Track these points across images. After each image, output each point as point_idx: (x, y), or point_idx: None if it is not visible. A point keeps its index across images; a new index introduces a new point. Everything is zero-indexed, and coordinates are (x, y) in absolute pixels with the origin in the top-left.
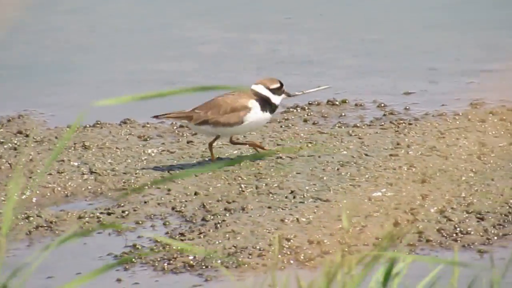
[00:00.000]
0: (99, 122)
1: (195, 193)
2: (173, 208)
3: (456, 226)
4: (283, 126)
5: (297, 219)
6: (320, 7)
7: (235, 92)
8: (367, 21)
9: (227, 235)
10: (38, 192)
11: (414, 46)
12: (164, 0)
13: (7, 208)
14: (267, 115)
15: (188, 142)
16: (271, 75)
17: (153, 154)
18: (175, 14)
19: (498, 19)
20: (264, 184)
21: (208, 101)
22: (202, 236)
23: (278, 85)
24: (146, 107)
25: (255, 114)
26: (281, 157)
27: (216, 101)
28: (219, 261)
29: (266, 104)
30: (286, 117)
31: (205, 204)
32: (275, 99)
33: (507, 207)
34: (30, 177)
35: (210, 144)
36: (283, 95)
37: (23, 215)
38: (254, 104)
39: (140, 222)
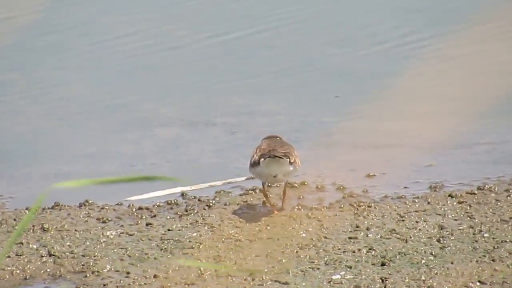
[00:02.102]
0: (58, 204)
1: (154, 276)
2: None
3: None
4: (241, 208)
5: None
6: (276, 90)
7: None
8: (324, 104)
9: None
10: None
11: (372, 129)
12: (120, 81)
13: None
14: None
15: (147, 225)
16: (229, 157)
17: (111, 237)
18: (133, 96)
19: (455, 105)
20: (223, 267)
21: (269, 141)
22: None
23: None
24: (104, 189)
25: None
26: (239, 240)
27: (284, 144)
28: None
29: None
30: (245, 199)
31: (164, 286)
32: None
33: None
34: None
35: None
36: None
37: None
38: None
39: None
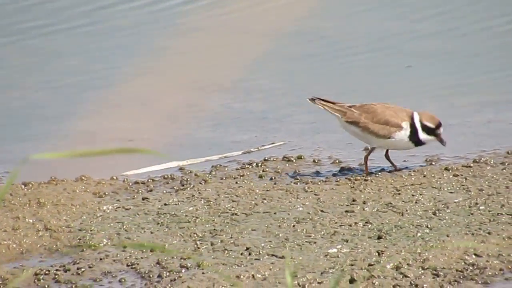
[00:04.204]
0: (54, 179)
1: (151, 250)
2: (128, 265)
3: (412, 282)
4: (238, 182)
5: (253, 275)
6: (273, 64)
7: (396, 106)
8: (321, 78)
9: None
10: None
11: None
12: (117, 57)
13: None
14: (410, 144)
15: (143, 199)
16: (226, 131)
17: (108, 211)
18: (129, 71)
19: (452, 79)
20: (219, 241)
21: (367, 104)
22: None
23: (432, 125)
24: (100, 164)
25: (402, 136)
26: (236, 214)
27: (374, 108)
28: None
29: (415, 135)
30: (241, 173)
31: (160, 260)
32: (422, 135)
33: (463, 263)
34: None
35: (366, 158)
36: (433, 137)
37: None
38: (406, 126)
39: (97, 280)
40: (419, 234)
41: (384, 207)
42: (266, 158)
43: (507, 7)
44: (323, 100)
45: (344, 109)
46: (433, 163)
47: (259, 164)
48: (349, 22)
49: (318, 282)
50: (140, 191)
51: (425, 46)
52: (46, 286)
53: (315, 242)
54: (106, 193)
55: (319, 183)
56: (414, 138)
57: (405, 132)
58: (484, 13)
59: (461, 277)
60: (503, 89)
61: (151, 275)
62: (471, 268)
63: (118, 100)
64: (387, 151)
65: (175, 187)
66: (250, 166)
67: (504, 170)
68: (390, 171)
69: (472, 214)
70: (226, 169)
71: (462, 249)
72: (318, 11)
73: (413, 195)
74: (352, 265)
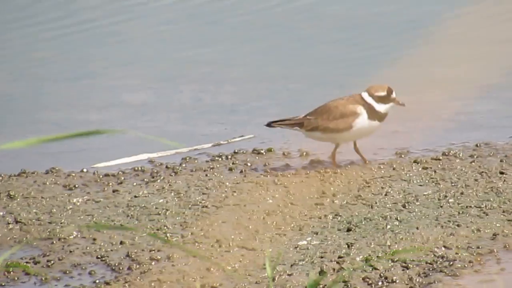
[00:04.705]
0: (24, 171)
1: (121, 242)
2: (98, 258)
3: (382, 274)
4: (208, 175)
5: (223, 268)
6: (243, 57)
7: (344, 97)
8: (290, 70)
9: (152, 284)
10: None
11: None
12: (88, 49)
13: None
14: (374, 123)
15: (113, 191)
16: (196, 124)
17: (78, 203)
18: (100, 63)
19: (422, 73)
20: (189, 233)
21: (320, 106)
22: (127, 285)
23: (383, 93)
24: (70, 156)
25: (363, 120)
26: (206, 206)
27: (326, 107)
28: None
29: (373, 111)
30: (211, 166)
31: (130, 253)
32: (379, 107)
33: (432, 256)
34: None
35: (333, 155)
36: (391, 103)
37: None
38: (362, 111)
39: (67, 272)
40: (388, 227)
41: (354, 200)
42: (236, 151)
43: None
44: (278, 121)
45: (300, 120)
46: (403, 155)
47: (229, 157)
48: None
49: (288, 274)
50: (110, 184)
51: None
52: (16, 278)
53: (285, 235)
54: (76, 186)
55: (289, 175)
56: (374, 115)
57: (363, 115)
58: None
59: (431, 269)
60: (472, 81)
61: (121, 268)
62: (440, 260)
63: (88, 92)
64: (355, 144)
65: (145, 180)
66: (220, 159)
67: (473, 163)
68: (359, 164)
69: (441, 206)
70: (196, 161)
71: (431, 242)
72: None
73: (382, 188)
74: (322, 257)
